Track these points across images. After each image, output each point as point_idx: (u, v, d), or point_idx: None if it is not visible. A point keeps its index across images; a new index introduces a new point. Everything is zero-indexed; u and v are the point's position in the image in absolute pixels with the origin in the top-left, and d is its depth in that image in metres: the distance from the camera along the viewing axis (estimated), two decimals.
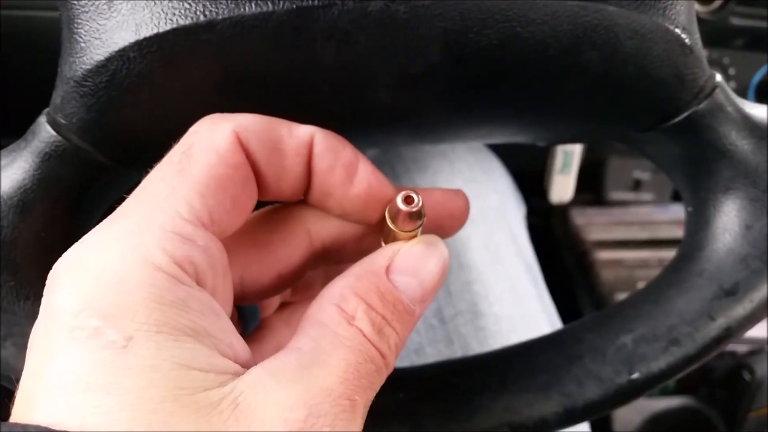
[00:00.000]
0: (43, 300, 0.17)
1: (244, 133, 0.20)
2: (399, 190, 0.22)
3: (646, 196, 0.83)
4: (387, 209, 0.22)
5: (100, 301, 0.16)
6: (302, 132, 0.21)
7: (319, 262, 0.25)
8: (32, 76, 0.34)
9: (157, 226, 0.18)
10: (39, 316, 0.17)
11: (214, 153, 0.19)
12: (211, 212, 0.19)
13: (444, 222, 0.24)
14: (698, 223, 0.27)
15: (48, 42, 0.39)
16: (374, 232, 0.24)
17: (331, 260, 0.25)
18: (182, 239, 0.18)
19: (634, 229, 0.80)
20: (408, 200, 0.21)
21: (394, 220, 0.22)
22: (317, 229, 0.24)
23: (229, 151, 0.19)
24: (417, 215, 0.21)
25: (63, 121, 0.22)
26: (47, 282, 0.18)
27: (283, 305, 0.28)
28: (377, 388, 0.19)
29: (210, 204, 0.19)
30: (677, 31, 0.23)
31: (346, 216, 0.23)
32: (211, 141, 0.20)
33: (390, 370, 0.20)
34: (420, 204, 0.21)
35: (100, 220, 0.19)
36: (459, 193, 0.25)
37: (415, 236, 0.22)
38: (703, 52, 0.24)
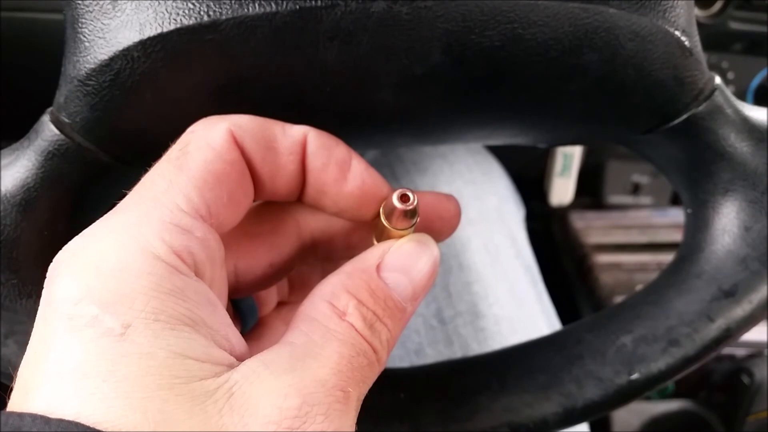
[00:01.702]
0: (44, 291, 0.18)
1: (239, 131, 0.20)
2: (392, 188, 0.22)
3: (645, 199, 0.83)
4: (382, 206, 0.22)
5: (100, 290, 0.16)
6: (296, 131, 0.21)
7: (309, 255, 0.25)
8: (33, 79, 0.34)
9: (156, 218, 0.18)
10: (40, 307, 0.17)
11: (210, 150, 0.20)
12: (208, 206, 0.19)
13: (434, 225, 0.25)
14: (697, 225, 0.27)
15: (49, 44, 0.39)
16: (363, 228, 0.25)
17: (320, 253, 0.25)
18: (181, 230, 0.18)
19: (633, 232, 0.80)
20: (404, 198, 0.21)
21: (388, 218, 0.22)
22: (306, 221, 0.24)
23: (224, 148, 0.20)
24: (411, 213, 0.21)
25: (66, 119, 0.22)
26: (48, 273, 0.18)
27: (282, 304, 0.28)
28: (370, 383, 0.20)
29: (207, 198, 0.19)
30: (677, 33, 0.23)
31: (341, 214, 0.23)
32: (207, 138, 0.20)
33: (382, 367, 0.20)
34: (415, 202, 0.21)
35: None
36: (450, 198, 0.25)
37: (407, 235, 0.22)
38: (702, 55, 0.24)
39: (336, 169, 0.22)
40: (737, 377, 0.65)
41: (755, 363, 0.65)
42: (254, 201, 0.23)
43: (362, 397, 0.19)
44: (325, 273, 0.27)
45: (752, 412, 0.64)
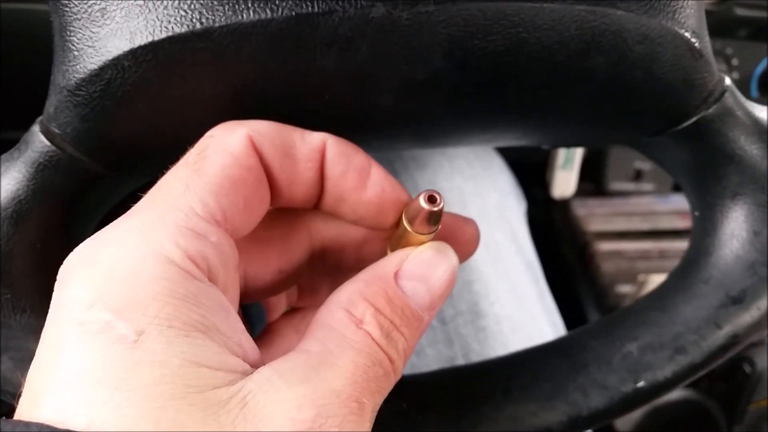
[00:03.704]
0: (54, 294, 0.17)
1: (258, 137, 0.20)
2: (410, 195, 0.22)
3: (647, 186, 0.83)
4: (405, 210, 0.22)
5: (112, 295, 0.16)
6: (315, 138, 0.21)
7: (319, 263, 0.25)
8: (33, 71, 0.33)
9: (170, 222, 0.18)
10: (50, 310, 0.17)
11: (228, 155, 0.20)
12: (224, 211, 0.19)
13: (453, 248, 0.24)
14: (705, 229, 0.27)
15: (49, 37, 0.38)
16: (375, 240, 0.24)
17: (330, 262, 0.25)
18: (195, 234, 0.18)
19: (634, 220, 0.80)
20: (431, 199, 0.21)
21: (411, 221, 0.21)
22: (317, 228, 0.24)
23: (243, 153, 0.20)
24: (437, 217, 0.21)
25: (57, 130, 0.22)
26: (58, 276, 0.18)
27: (293, 311, 0.28)
28: (385, 393, 0.19)
29: (223, 202, 0.19)
30: (687, 35, 0.22)
31: (359, 221, 0.23)
32: (225, 143, 0.20)
33: (398, 376, 0.20)
34: (442, 204, 0.21)
35: (97, 230, 0.19)
36: (469, 221, 0.25)
37: (426, 242, 0.22)
38: (712, 56, 0.24)
39: (355, 176, 0.21)
40: (739, 366, 0.65)
41: (756, 352, 0.65)
42: (271, 207, 0.22)
43: (377, 408, 0.19)
44: (335, 280, 0.27)
45: (753, 400, 0.64)
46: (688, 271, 0.27)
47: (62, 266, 0.18)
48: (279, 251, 0.24)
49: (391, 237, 0.23)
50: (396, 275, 0.20)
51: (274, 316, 0.27)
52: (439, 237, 0.22)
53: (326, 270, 0.26)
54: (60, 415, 0.15)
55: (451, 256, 0.22)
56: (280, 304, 0.27)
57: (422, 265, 0.21)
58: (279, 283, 0.24)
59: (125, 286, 0.16)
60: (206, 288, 0.18)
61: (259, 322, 0.26)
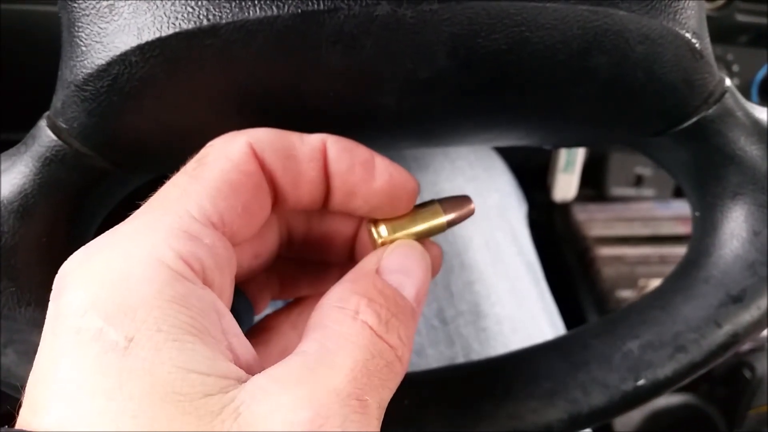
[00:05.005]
0: (51, 303, 0.17)
1: (258, 143, 0.20)
2: (417, 181, 0.23)
3: (648, 191, 0.83)
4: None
5: (104, 300, 0.16)
6: (314, 138, 0.22)
7: (287, 249, 0.26)
8: (33, 72, 0.34)
9: (165, 225, 0.18)
10: (47, 319, 0.17)
11: (227, 160, 0.20)
12: (221, 214, 0.19)
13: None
14: (705, 229, 0.27)
15: (51, 37, 0.38)
16: (340, 227, 0.25)
17: (297, 248, 0.26)
18: (189, 236, 0.18)
19: (635, 225, 0.80)
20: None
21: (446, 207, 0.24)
22: (283, 216, 0.25)
23: (242, 159, 0.20)
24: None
25: (64, 125, 0.22)
26: (54, 284, 0.18)
27: (289, 307, 0.28)
28: (393, 386, 0.19)
29: (221, 206, 0.19)
30: (687, 35, 0.22)
31: (373, 212, 0.23)
32: (225, 150, 0.20)
33: (405, 366, 0.20)
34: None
35: (102, 225, 0.19)
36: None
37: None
38: (713, 56, 0.24)
39: (361, 168, 0.22)
40: (739, 371, 0.65)
41: (756, 357, 0.65)
42: (281, 212, 0.23)
43: (385, 403, 0.18)
44: (312, 272, 0.28)
45: (753, 406, 0.64)
46: (688, 270, 0.27)
47: (58, 274, 0.18)
48: (254, 236, 0.24)
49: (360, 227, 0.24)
50: (378, 271, 0.21)
51: (260, 309, 0.27)
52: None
53: (294, 254, 0.26)
54: (59, 427, 0.15)
55: (422, 250, 0.23)
56: (264, 296, 0.27)
57: (401, 259, 0.22)
58: (255, 268, 0.25)
59: (116, 291, 0.16)
60: (197, 290, 0.17)
61: (247, 317, 0.26)
